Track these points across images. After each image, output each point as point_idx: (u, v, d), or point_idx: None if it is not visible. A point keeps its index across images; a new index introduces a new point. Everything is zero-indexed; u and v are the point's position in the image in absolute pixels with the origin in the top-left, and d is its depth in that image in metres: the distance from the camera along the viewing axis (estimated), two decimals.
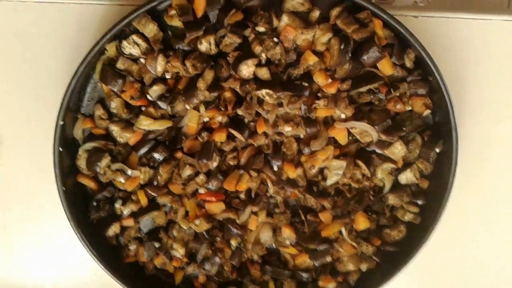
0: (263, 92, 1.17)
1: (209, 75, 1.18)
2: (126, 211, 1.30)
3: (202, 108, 1.21)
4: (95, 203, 1.30)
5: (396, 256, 1.26)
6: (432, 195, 1.24)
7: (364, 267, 1.30)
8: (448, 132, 1.16)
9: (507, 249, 1.36)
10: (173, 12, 1.16)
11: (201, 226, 1.27)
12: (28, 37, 1.29)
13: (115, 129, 1.25)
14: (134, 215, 1.30)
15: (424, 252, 1.22)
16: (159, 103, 1.23)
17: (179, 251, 1.31)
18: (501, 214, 1.34)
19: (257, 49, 1.16)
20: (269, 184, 1.25)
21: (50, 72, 1.30)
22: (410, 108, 1.21)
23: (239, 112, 1.21)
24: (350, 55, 1.14)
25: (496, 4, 1.67)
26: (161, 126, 1.23)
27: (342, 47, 1.14)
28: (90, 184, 1.29)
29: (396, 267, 1.24)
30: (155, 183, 1.28)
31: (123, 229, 1.32)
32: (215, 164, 1.24)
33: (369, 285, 1.28)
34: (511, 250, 1.36)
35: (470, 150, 1.29)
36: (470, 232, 1.35)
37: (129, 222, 1.30)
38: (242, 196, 1.27)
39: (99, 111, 1.25)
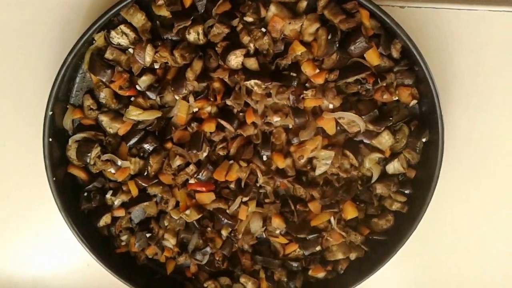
0: (251, 83, 1.17)
1: (197, 65, 1.18)
2: (117, 202, 1.30)
3: (191, 98, 1.22)
4: (86, 194, 1.30)
5: (384, 245, 1.28)
6: (419, 184, 1.25)
7: (353, 255, 1.32)
8: (434, 121, 1.17)
9: (493, 236, 1.37)
10: (161, 2, 1.16)
11: (192, 216, 1.28)
12: (16, 28, 1.29)
13: (104, 120, 1.25)
14: (125, 205, 1.31)
15: (412, 241, 1.23)
16: (148, 93, 1.23)
17: (170, 241, 1.32)
18: (486, 202, 1.35)
19: (245, 39, 1.16)
20: (259, 174, 1.26)
21: (39, 62, 1.30)
22: (397, 98, 1.22)
23: (228, 102, 1.21)
24: (337, 45, 1.15)
25: None
26: (150, 116, 1.23)
27: (329, 37, 1.15)
28: (81, 175, 1.29)
29: (384, 256, 1.26)
30: (146, 173, 1.28)
31: (114, 219, 1.32)
32: (204, 154, 1.25)
33: (358, 274, 1.29)
34: (497, 237, 1.37)
35: (456, 139, 1.30)
36: (456, 220, 1.37)
37: (120, 213, 1.31)
38: (232, 186, 1.28)
39: (88, 102, 1.25)
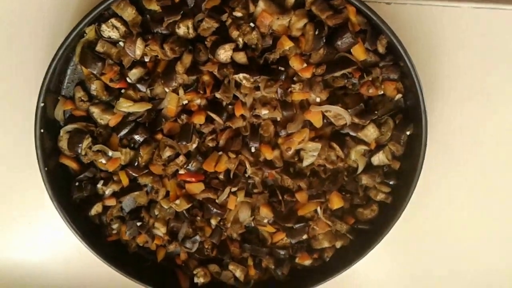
0: (240, 76, 1.18)
1: (187, 58, 1.19)
2: (108, 191, 1.31)
3: (181, 91, 1.22)
4: (77, 183, 1.31)
5: (369, 234, 1.30)
6: (403, 176, 1.27)
7: (338, 244, 1.34)
8: (418, 115, 1.19)
9: (475, 225, 1.40)
10: None
11: (182, 205, 1.29)
12: (7, 20, 1.29)
13: (95, 111, 1.26)
14: (116, 195, 1.32)
15: (395, 230, 1.26)
16: (139, 85, 1.23)
17: (160, 230, 1.34)
18: (468, 192, 1.38)
19: (234, 33, 1.17)
20: (247, 165, 1.27)
21: (31, 54, 1.30)
22: (382, 92, 1.23)
23: (217, 95, 1.22)
24: (324, 40, 1.16)
25: None
26: (140, 108, 1.24)
27: (317, 32, 1.16)
28: (72, 165, 1.30)
29: (368, 244, 1.28)
30: (136, 164, 1.29)
31: (106, 208, 1.34)
32: (194, 145, 1.26)
33: (343, 261, 1.31)
34: (479, 226, 1.41)
35: (439, 132, 1.32)
36: (438, 210, 1.39)
37: (111, 202, 1.32)
38: (221, 176, 1.29)
39: (80, 93, 1.26)
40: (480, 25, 1.27)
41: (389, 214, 1.27)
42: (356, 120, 1.22)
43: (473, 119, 1.33)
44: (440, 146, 1.33)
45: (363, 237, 1.31)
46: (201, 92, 1.23)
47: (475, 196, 1.38)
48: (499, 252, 1.43)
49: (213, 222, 1.34)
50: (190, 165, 1.27)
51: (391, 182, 1.30)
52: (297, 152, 1.28)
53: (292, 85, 1.21)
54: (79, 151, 1.26)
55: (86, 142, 1.26)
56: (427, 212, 1.39)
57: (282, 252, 1.35)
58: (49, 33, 1.28)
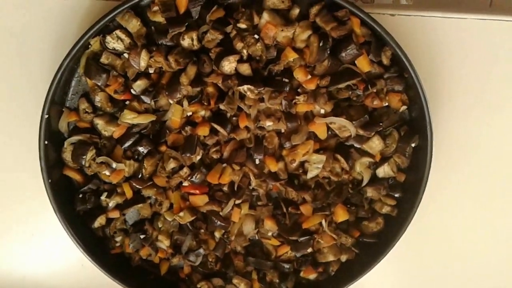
0: (244, 88, 1.18)
1: (191, 70, 1.19)
2: (111, 203, 1.31)
3: (185, 103, 1.23)
4: (81, 195, 1.30)
5: (374, 247, 1.29)
6: (409, 188, 1.27)
7: (343, 257, 1.33)
8: (423, 127, 1.18)
9: (481, 239, 1.39)
10: (156, 8, 1.17)
11: (185, 218, 1.29)
12: (13, 32, 1.30)
13: (99, 123, 1.26)
14: (120, 207, 1.31)
15: (401, 243, 1.25)
16: (143, 97, 1.23)
17: (164, 243, 1.33)
18: (475, 205, 1.37)
19: (239, 45, 1.17)
20: (252, 177, 1.27)
21: (35, 66, 1.30)
22: (387, 104, 1.23)
23: (222, 107, 1.22)
24: (329, 52, 1.16)
25: (479, 3, 1.70)
26: (145, 120, 1.24)
27: (321, 44, 1.16)
28: (76, 177, 1.30)
29: (374, 258, 1.27)
30: (140, 176, 1.29)
31: (109, 221, 1.33)
32: (198, 157, 1.26)
33: (349, 275, 1.30)
34: (485, 239, 1.39)
35: (444, 144, 1.31)
36: (445, 223, 1.38)
37: (115, 214, 1.31)
38: (225, 189, 1.29)
39: (84, 105, 1.26)
40: (484, 37, 1.26)
41: (394, 227, 1.27)
42: (361, 132, 1.22)
43: (478, 129, 1.32)
44: (446, 158, 1.32)
45: (368, 251, 1.30)
46: (205, 103, 1.23)
47: (483, 207, 1.37)
48: (509, 268, 1.41)
49: (217, 235, 1.33)
50: (194, 177, 1.26)
51: (396, 195, 1.29)
52: (302, 164, 1.28)
53: (297, 97, 1.21)
54: (83, 162, 1.26)
55: (90, 154, 1.26)
56: (433, 225, 1.38)
57: (286, 266, 1.34)
58: (54, 45, 1.29)
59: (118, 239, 1.35)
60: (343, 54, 1.16)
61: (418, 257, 1.41)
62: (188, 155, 1.24)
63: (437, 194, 1.33)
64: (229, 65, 1.18)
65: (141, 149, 1.27)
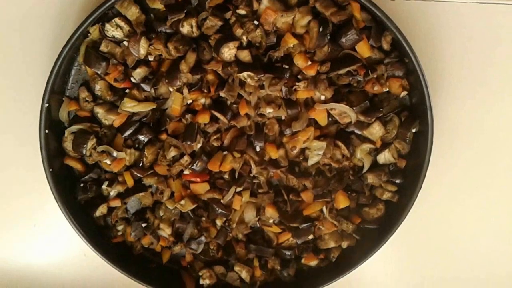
0: (244, 75, 1.18)
1: (191, 57, 1.19)
2: (112, 192, 1.31)
3: (185, 90, 1.23)
4: (82, 185, 1.31)
5: (375, 233, 1.30)
6: (409, 174, 1.27)
7: (344, 244, 1.34)
8: (424, 112, 1.18)
9: (482, 224, 1.40)
10: None
11: (186, 206, 1.29)
12: (12, 21, 1.30)
13: (100, 112, 1.26)
14: (121, 196, 1.32)
15: (402, 229, 1.25)
16: (143, 85, 1.24)
17: (165, 231, 1.33)
18: (475, 190, 1.37)
19: (238, 31, 1.17)
20: (252, 164, 1.27)
21: (35, 55, 1.30)
22: (387, 89, 1.23)
23: (222, 94, 1.22)
24: (329, 37, 1.16)
25: None
26: (145, 108, 1.24)
27: (321, 29, 1.16)
28: (77, 166, 1.30)
29: (375, 244, 1.27)
30: (141, 164, 1.29)
31: (110, 209, 1.33)
32: (199, 145, 1.26)
33: (350, 262, 1.31)
34: (486, 225, 1.40)
35: (445, 129, 1.32)
36: (445, 209, 1.39)
37: (116, 203, 1.32)
38: (226, 176, 1.29)
39: (84, 94, 1.26)
40: (484, 21, 1.26)
41: (395, 213, 1.27)
42: (361, 118, 1.22)
43: (479, 115, 1.32)
44: (446, 143, 1.33)
45: (369, 237, 1.31)
46: (205, 91, 1.23)
47: (483, 193, 1.37)
48: (509, 251, 1.42)
49: (219, 222, 1.33)
50: (195, 165, 1.27)
51: (397, 181, 1.29)
52: (302, 151, 1.28)
53: (297, 83, 1.21)
54: (84, 152, 1.26)
55: (91, 142, 1.26)
56: (434, 211, 1.38)
57: (288, 253, 1.34)
58: (53, 34, 1.29)
59: (120, 228, 1.35)
60: (343, 40, 1.16)
61: (418, 243, 1.42)
62: (188, 143, 1.24)
63: (437, 180, 1.34)
64: (228, 51, 1.18)
65: (141, 137, 1.27)
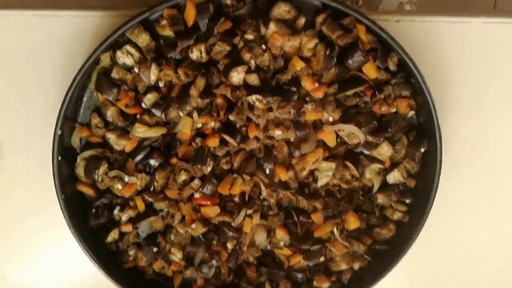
0: (253, 98, 1.20)
1: (201, 82, 1.21)
2: (124, 217, 1.32)
3: (195, 115, 1.24)
4: (94, 210, 1.31)
5: (387, 254, 1.29)
6: (419, 194, 1.27)
7: (356, 265, 1.33)
8: (432, 131, 1.19)
9: (494, 243, 1.38)
10: (164, 22, 1.19)
11: (197, 229, 1.29)
12: (25, 49, 1.32)
13: (111, 137, 1.28)
14: (132, 220, 1.32)
15: (414, 250, 1.24)
16: (153, 110, 1.25)
17: (177, 255, 1.33)
18: (486, 209, 1.36)
19: (246, 56, 1.19)
20: (262, 187, 1.27)
21: (48, 83, 1.32)
22: (395, 109, 1.23)
23: (231, 117, 1.23)
24: (335, 60, 1.17)
25: (482, 5, 1.72)
26: (155, 133, 1.25)
27: (327, 52, 1.17)
28: (89, 192, 1.31)
29: (387, 265, 1.27)
30: (152, 188, 1.30)
31: (122, 234, 1.34)
32: (209, 168, 1.27)
33: (362, 283, 1.30)
34: (498, 244, 1.38)
35: (454, 148, 1.31)
36: (457, 228, 1.37)
37: (128, 228, 1.32)
38: (236, 199, 1.29)
39: (96, 120, 1.28)
40: (490, 39, 1.27)
41: (406, 233, 1.26)
42: (370, 138, 1.22)
43: (487, 132, 1.32)
44: (455, 162, 1.32)
45: (381, 258, 1.30)
46: (214, 115, 1.24)
47: (495, 211, 1.36)
48: None
49: (229, 246, 1.33)
50: (205, 188, 1.27)
51: (407, 201, 1.29)
52: (312, 172, 1.28)
53: (305, 105, 1.22)
54: (96, 177, 1.27)
55: (103, 168, 1.27)
56: (445, 230, 1.37)
57: (299, 275, 1.34)
58: (65, 61, 1.31)
59: (131, 252, 1.35)
60: (350, 62, 1.18)
61: (430, 264, 1.40)
62: (199, 166, 1.25)
63: (448, 199, 1.33)
64: (237, 76, 1.19)
65: (152, 162, 1.28)
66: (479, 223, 1.37)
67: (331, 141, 1.24)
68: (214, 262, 1.34)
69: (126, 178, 1.28)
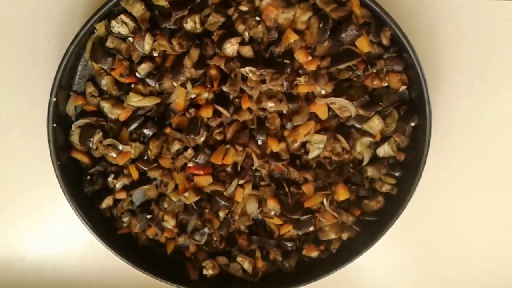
0: (246, 70, 1.20)
1: (194, 53, 1.21)
2: (118, 185, 1.33)
3: (189, 85, 1.24)
4: (88, 177, 1.33)
5: (375, 225, 1.31)
6: (408, 167, 1.28)
7: (344, 235, 1.35)
8: (422, 106, 1.20)
9: (479, 216, 1.41)
10: None
11: (190, 198, 1.31)
12: (19, 18, 1.32)
13: (106, 106, 1.28)
14: (126, 188, 1.34)
15: (401, 221, 1.26)
16: (148, 80, 1.26)
17: (170, 223, 1.35)
18: (473, 183, 1.39)
19: (240, 27, 1.19)
20: (254, 158, 1.29)
21: (42, 52, 1.33)
22: (386, 84, 1.24)
23: (224, 88, 1.24)
24: (329, 33, 1.18)
25: None
26: (149, 102, 1.26)
27: (321, 25, 1.17)
28: (84, 159, 1.32)
29: (374, 236, 1.29)
30: (146, 157, 1.31)
31: (116, 201, 1.35)
32: (202, 139, 1.28)
33: (350, 253, 1.32)
34: (483, 216, 1.41)
35: (444, 123, 1.33)
36: (444, 201, 1.40)
37: (122, 195, 1.34)
38: (229, 169, 1.31)
39: (90, 89, 1.28)
40: (483, 16, 1.27)
41: (394, 205, 1.29)
42: (361, 112, 1.23)
43: (477, 109, 1.33)
44: (444, 136, 1.34)
45: (369, 229, 1.33)
46: (208, 86, 1.24)
47: (481, 185, 1.39)
48: (508, 244, 1.43)
49: (221, 214, 1.35)
50: (198, 158, 1.28)
51: (396, 174, 1.31)
52: (303, 144, 1.30)
53: (298, 78, 1.22)
54: (90, 145, 1.28)
55: (97, 136, 1.28)
56: (432, 203, 1.40)
57: (289, 244, 1.36)
58: (60, 30, 1.31)
59: (125, 219, 1.37)
60: (343, 35, 1.18)
61: (417, 235, 1.43)
62: (192, 136, 1.26)
63: (436, 173, 1.35)
64: (231, 47, 1.19)
65: (146, 131, 1.29)
66: (465, 196, 1.40)
67: (323, 114, 1.25)
68: (206, 229, 1.36)
69: (120, 147, 1.30)
